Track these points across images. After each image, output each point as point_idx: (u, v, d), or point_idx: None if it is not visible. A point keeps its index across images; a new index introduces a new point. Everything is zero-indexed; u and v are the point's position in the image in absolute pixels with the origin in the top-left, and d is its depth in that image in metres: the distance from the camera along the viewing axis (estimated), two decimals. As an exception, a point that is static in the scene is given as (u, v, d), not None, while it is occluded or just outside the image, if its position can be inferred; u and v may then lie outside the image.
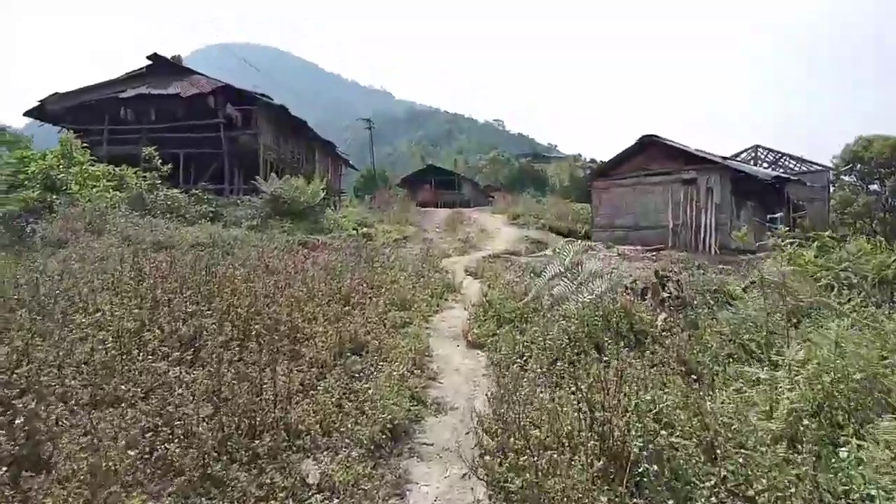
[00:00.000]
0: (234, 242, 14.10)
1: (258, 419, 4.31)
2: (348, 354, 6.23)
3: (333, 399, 4.86)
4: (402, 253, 16.74)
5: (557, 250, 6.64)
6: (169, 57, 30.24)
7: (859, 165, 50.04)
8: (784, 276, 5.31)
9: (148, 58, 29.85)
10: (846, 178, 49.26)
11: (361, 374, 5.61)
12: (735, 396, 3.92)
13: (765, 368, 4.15)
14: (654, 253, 19.54)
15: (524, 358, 5.82)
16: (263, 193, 21.01)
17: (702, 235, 22.17)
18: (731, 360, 5.23)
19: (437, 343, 7.08)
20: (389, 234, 23.60)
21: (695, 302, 6.37)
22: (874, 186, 52.08)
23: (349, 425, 4.43)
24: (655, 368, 5.09)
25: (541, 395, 4.55)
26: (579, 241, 24.77)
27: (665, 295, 6.36)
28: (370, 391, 5.02)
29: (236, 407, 4.34)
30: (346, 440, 4.26)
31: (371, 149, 59.73)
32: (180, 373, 4.73)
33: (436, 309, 8.74)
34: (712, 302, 8.62)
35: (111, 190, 18.19)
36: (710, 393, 4.06)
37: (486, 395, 4.77)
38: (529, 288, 9.06)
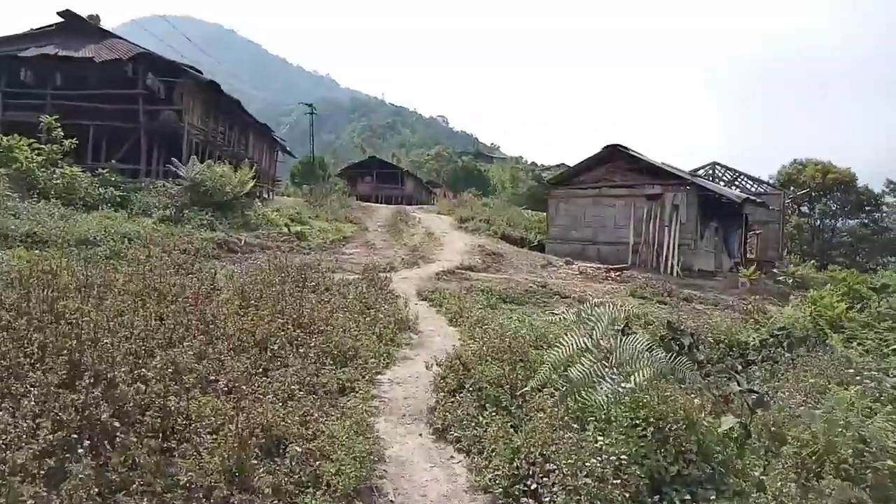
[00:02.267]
0: (133, 240, 11.38)
1: None
2: (254, 461, 3.97)
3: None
4: (342, 260, 14.41)
5: (584, 315, 4.54)
6: (85, 16, 26.50)
7: (792, 188, 51.46)
8: None
9: (59, 14, 25.98)
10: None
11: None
12: None
13: None
14: (618, 273, 17.95)
15: (532, 487, 3.73)
16: (182, 179, 18.07)
17: (664, 255, 20.78)
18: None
19: (389, 429, 4.89)
20: (326, 233, 21.10)
21: (766, 398, 4.44)
22: (804, 208, 53.91)
23: None
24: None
25: None
26: (528, 250, 23.10)
27: (737, 388, 4.43)
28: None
29: None
30: None
31: (311, 135, 56.43)
32: None
33: (386, 361, 6.51)
34: (739, 366, 6.85)
35: (-11, 164, 14.92)
36: None
37: None
38: (505, 331, 7.05)
